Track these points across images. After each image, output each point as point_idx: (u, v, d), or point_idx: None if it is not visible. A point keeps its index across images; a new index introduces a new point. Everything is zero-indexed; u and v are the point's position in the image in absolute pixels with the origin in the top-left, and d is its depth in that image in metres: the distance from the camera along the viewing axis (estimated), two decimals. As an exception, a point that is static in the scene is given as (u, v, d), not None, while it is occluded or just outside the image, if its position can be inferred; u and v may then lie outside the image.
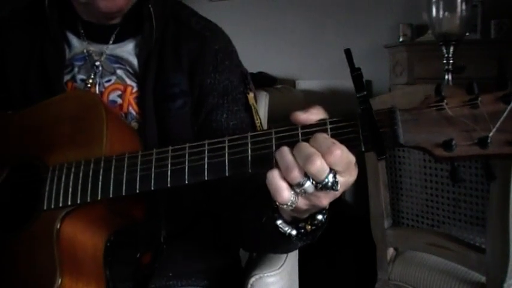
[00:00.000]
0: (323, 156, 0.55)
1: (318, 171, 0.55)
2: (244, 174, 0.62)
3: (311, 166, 0.55)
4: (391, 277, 1.51)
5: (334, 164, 0.56)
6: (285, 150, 0.57)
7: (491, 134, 0.54)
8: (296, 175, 0.56)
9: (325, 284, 2.36)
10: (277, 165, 0.58)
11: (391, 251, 1.54)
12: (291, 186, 0.57)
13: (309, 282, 1.28)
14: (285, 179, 0.57)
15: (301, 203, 0.59)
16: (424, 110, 0.56)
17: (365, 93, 0.57)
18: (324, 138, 0.56)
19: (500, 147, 0.54)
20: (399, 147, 0.57)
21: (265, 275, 0.89)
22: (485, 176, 0.56)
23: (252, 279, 0.89)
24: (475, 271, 1.31)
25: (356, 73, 0.58)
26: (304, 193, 0.57)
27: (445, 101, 0.56)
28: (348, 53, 0.59)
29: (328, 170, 0.56)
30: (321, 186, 0.56)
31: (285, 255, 0.93)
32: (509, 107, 0.53)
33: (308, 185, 0.57)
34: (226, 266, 1.01)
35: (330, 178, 0.56)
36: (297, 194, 0.58)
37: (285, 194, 0.57)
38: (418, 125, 0.56)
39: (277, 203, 0.59)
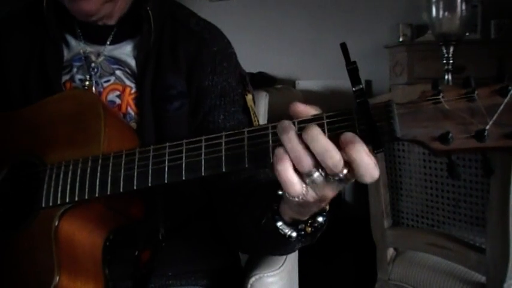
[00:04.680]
0: (346, 152, 0.54)
1: (334, 166, 0.54)
2: (242, 169, 0.62)
3: (329, 160, 0.54)
4: (391, 277, 1.51)
5: (356, 163, 0.54)
6: (295, 139, 0.55)
7: (488, 127, 0.53)
8: (306, 164, 0.55)
9: (325, 284, 2.36)
10: (286, 156, 0.56)
11: (391, 251, 1.54)
12: (302, 177, 0.56)
13: (309, 283, 1.27)
14: (295, 170, 0.56)
15: (310, 195, 0.57)
16: (420, 104, 0.56)
17: (361, 86, 0.57)
18: (350, 134, 0.55)
19: (497, 140, 0.53)
20: (396, 140, 0.57)
21: (265, 275, 0.89)
22: (484, 171, 0.56)
23: (252, 279, 0.89)
24: (475, 271, 1.31)
25: (352, 66, 0.58)
26: (314, 184, 0.56)
27: (442, 94, 0.55)
28: (343, 46, 0.59)
29: (343, 163, 0.55)
30: (333, 179, 0.55)
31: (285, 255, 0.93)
32: (506, 100, 0.53)
33: (317, 175, 0.55)
34: (226, 266, 1.01)
35: (345, 171, 0.55)
36: (306, 185, 0.56)
37: (297, 187, 0.56)
38: (414, 118, 0.56)
39: (287, 195, 0.57)
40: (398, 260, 1.52)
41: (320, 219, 0.66)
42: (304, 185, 0.56)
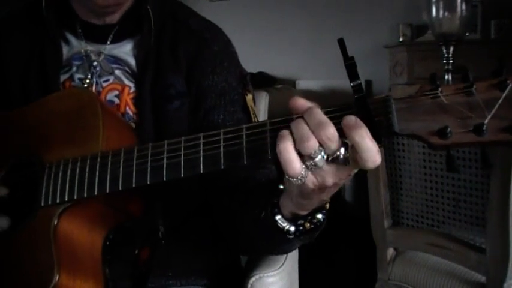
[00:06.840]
0: (349, 131, 0.54)
1: (329, 139, 0.55)
2: (240, 166, 0.62)
3: (323, 132, 0.55)
4: (391, 277, 1.51)
5: (359, 143, 0.54)
6: (301, 120, 0.57)
7: (486, 121, 0.53)
8: (311, 144, 0.55)
9: (325, 284, 2.35)
10: (290, 136, 0.57)
11: (391, 251, 1.54)
12: (302, 159, 0.57)
13: (309, 282, 1.27)
14: (296, 150, 0.56)
15: (310, 180, 0.58)
16: (418, 98, 0.56)
17: (359, 81, 0.57)
18: (352, 118, 0.56)
19: (496, 134, 0.54)
20: (394, 135, 0.57)
21: (265, 275, 0.89)
22: (482, 165, 0.56)
23: (252, 279, 0.89)
24: (475, 271, 1.31)
25: (349, 62, 0.58)
26: (315, 167, 0.57)
27: (440, 89, 0.55)
28: (341, 42, 0.59)
29: (339, 140, 0.55)
30: (332, 158, 0.56)
31: (284, 255, 0.93)
32: (504, 94, 0.53)
33: (319, 158, 0.56)
34: (226, 266, 1.01)
35: (342, 151, 0.55)
36: (307, 168, 0.57)
37: (296, 165, 0.56)
38: (412, 113, 0.56)
39: (287, 177, 0.58)
40: (398, 260, 1.52)
41: (319, 216, 0.66)
42: (303, 167, 0.57)
